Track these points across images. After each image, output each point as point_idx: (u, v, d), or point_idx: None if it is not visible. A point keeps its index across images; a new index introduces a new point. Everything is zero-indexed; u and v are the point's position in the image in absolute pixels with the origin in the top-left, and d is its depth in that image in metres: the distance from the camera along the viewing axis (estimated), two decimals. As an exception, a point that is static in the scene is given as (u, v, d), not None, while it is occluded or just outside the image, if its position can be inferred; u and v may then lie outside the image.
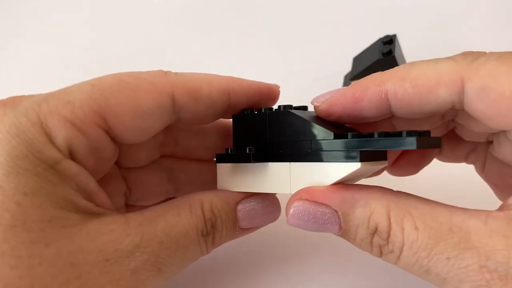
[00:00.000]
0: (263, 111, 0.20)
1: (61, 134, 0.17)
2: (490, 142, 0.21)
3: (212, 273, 0.26)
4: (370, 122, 0.21)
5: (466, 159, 0.24)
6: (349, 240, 0.18)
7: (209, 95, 0.20)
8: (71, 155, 0.18)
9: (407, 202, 0.17)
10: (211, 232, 0.20)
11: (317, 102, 0.20)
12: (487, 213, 0.16)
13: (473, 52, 0.18)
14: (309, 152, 0.19)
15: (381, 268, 0.25)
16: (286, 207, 0.19)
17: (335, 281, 0.25)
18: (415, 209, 0.17)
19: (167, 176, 0.24)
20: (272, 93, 0.22)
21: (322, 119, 0.20)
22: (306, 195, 0.19)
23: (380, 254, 0.18)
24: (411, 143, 0.16)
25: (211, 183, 0.24)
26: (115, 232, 0.17)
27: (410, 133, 0.16)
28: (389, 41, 0.32)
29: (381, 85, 0.18)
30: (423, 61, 0.18)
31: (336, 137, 0.18)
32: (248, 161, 0.20)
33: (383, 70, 0.31)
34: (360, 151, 0.17)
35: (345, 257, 0.26)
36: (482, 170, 0.23)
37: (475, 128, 0.20)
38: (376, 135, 0.17)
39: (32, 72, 0.42)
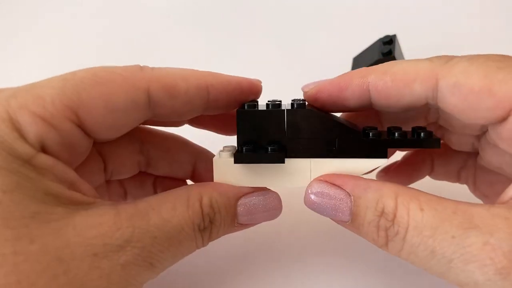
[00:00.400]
0: (270, 106, 0.20)
1: (32, 129, 0.17)
2: (477, 154, 0.23)
3: (210, 272, 0.26)
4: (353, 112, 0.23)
5: (458, 178, 0.25)
6: (358, 226, 0.19)
7: (186, 91, 0.20)
8: (44, 150, 0.17)
9: (415, 191, 0.18)
10: (209, 227, 0.20)
11: (307, 88, 0.22)
12: (489, 204, 0.17)
13: (447, 55, 0.19)
14: (334, 149, 0.20)
15: (379, 270, 0.25)
16: (306, 189, 0.20)
17: (334, 281, 0.25)
18: (422, 196, 0.18)
19: (138, 147, 0.24)
20: (254, 88, 0.22)
21: (339, 119, 0.22)
22: (325, 177, 0.20)
23: (386, 241, 0.18)
24: (436, 143, 0.19)
25: (180, 158, 0.24)
26: (104, 225, 0.17)
27: (429, 134, 0.19)
28: (389, 41, 0.32)
29: (364, 77, 0.20)
30: (405, 60, 0.20)
31: (364, 135, 0.20)
32: (281, 162, 0.20)
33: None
34: (388, 148, 0.20)
35: (345, 258, 0.26)
36: (474, 186, 0.24)
37: (457, 128, 0.21)
38: (397, 135, 0.20)
39: (32, 71, 0.42)
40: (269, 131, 0.20)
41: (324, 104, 0.21)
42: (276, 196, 0.21)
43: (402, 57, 0.33)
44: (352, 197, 0.19)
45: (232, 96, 0.21)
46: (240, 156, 0.20)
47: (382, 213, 0.18)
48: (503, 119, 0.18)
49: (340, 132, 0.20)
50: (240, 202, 0.21)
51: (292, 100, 0.20)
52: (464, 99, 0.18)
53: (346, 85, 0.21)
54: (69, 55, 0.44)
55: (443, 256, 0.17)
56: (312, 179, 0.20)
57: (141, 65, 0.20)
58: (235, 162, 0.20)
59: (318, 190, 0.20)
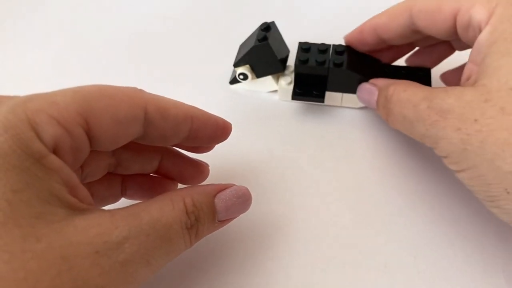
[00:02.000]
0: (326, 65, 0.31)
1: (48, 130, 0.18)
2: None
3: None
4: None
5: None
6: (377, 109, 0.30)
7: (175, 116, 0.22)
8: (55, 152, 0.18)
9: (406, 82, 0.27)
10: (195, 225, 0.21)
11: (348, 35, 0.32)
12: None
13: None
14: (354, 89, 0.32)
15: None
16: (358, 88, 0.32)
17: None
18: (408, 84, 0.27)
19: (112, 151, 0.25)
20: (225, 129, 0.25)
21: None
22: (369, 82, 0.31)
23: (386, 116, 0.28)
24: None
25: (150, 157, 0.26)
26: (103, 225, 0.18)
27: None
28: (266, 28, 0.32)
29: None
30: None
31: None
32: (321, 102, 0.33)
33: (260, 56, 0.32)
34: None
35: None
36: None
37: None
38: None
39: (31, 71, 0.40)
40: (316, 78, 0.32)
41: (366, 40, 0.31)
42: (246, 188, 0.24)
43: (279, 42, 0.34)
44: (377, 90, 0.29)
45: (209, 130, 0.24)
46: (294, 95, 0.33)
47: (386, 97, 0.27)
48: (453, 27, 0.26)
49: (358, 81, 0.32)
50: (216, 199, 0.23)
51: (336, 49, 0.32)
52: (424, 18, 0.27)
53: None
54: (69, 55, 0.42)
55: (406, 118, 0.25)
56: (342, 101, 0.34)
57: (138, 88, 0.22)
58: (292, 99, 0.34)
59: (361, 88, 0.31)
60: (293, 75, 0.34)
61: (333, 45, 0.32)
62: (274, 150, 0.32)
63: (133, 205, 0.20)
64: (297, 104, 0.35)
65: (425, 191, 0.29)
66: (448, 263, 0.26)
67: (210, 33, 0.43)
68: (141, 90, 0.22)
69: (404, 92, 0.26)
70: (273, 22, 0.33)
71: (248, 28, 0.35)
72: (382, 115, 0.29)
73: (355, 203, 0.29)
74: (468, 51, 0.27)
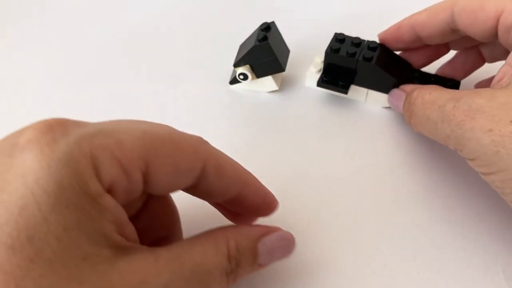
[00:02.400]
0: (356, 57, 0.31)
1: (108, 171, 0.17)
2: None
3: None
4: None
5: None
6: (403, 113, 0.30)
7: (229, 176, 0.21)
8: (109, 191, 0.18)
9: (432, 86, 0.27)
10: (235, 270, 0.20)
11: (382, 32, 0.32)
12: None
13: None
14: (384, 87, 0.32)
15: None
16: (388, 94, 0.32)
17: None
18: (433, 88, 0.27)
19: None
20: (272, 205, 0.24)
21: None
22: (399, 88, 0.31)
23: (409, 118, 0.28)
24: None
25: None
26: (146, 271, 0.18)
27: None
28: (266, 28, 0.32)
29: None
30: None
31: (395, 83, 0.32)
32: (344, 93, 0.33)
33: (260, 56, 0.32)
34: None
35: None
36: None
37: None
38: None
39: (31, 71, 0.39)
40: (344, 69, 0.32)
41: (403, 37, 0.31)
42: (290, 234, 0.23)
43: (279, 42, 0.34)
44: (405, 95, 0.30)
45: (255, 201, 0.23)
46: (320, 82, 0.33)
47: (410, 100, 0.28)
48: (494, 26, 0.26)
49: (388, 82, 0.32)
50: (260, 242, 0.22)
51: (368, 43, 0.32)
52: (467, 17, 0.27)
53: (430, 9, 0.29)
54: (68, 55, 0.41)
55: (429, 119, 0.25)
56: (366, 98, 0.34)
57: (203, 139, 0.22)
58: (317, 86, 0.34)
59: (392, 93, 0.32)
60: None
61: (368, 40, 0.32)
62: (274, 150, 0.32)
63: (177, 244, 0.20)
64: (298, 104, 0.35)
65: (426, 193, 0.29)
66: (448, 263, 0.26)
67: (210, 33, 0.43)
68: (205, 142, 0.21)
69: (430, 95, 0.26)
70: (273, 22, 0.33)
71: (248, 28, 0.35)
72: (406, 117, 0.29)
73: (356, 203, 0.29)
74: (497, 64, 0.27)
